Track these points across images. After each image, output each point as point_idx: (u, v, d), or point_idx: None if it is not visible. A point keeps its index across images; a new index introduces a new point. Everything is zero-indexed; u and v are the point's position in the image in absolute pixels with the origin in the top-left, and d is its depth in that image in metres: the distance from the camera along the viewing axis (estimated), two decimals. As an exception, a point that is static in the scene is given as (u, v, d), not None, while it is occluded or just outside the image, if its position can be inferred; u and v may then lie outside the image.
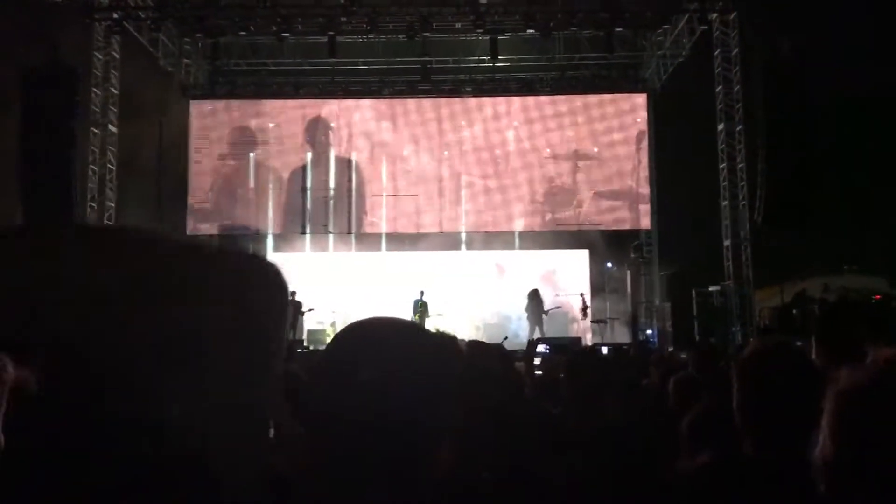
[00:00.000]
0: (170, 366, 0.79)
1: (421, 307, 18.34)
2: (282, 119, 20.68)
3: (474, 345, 3.19)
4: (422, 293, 18.44)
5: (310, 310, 17.98)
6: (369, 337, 1.26)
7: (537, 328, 18.16)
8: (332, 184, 20.68)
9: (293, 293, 17.54)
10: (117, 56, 18.52)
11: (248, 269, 0.94)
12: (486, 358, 3.13)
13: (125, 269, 0.81)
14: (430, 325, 17.92)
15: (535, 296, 18.53)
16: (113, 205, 18.48)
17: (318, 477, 1.20)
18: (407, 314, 17.80)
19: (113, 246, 0.85)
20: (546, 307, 18.45)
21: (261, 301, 0.90)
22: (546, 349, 13.22)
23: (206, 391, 0.81)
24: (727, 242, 17.89)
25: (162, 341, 0.79)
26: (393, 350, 1.22)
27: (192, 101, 20.44)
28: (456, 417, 1.22)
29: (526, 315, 18.47)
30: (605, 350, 12.52)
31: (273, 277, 0.96)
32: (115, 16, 17.63)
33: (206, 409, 0.80)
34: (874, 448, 1.13)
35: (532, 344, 14.72)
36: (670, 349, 15.41)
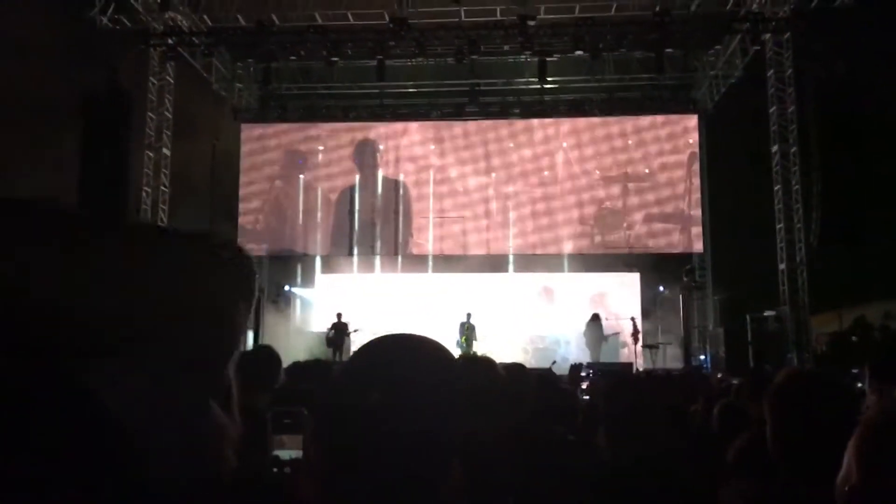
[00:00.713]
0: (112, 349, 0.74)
1: (467, 330, 18.21)
2: (331, 142, 20.94)
3: (511, 368, 3.18)
4: (468, 315, 18.32)
5: (355, 330, 17.91)
6: (380, 357, 1.23)
7: (595, 354, 17.84)
8: (379, 205, 20.79)
9: (339, 314, 18.00)
10: (172, 81, 19.03)
11: (201, 250, 0.87)
12: (521, 383, 3.04)
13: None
14: (477, 347, 17.78)
15: (595, 320, 18.31)
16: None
17: (329, 500, 1.16)
18: (453, 336, 17.84)
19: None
20: (605, 332, 18.28)
21: (214, 286, 0.84)
22: (588, 374, 13.46)
23: (145, 378, 0.76)
24: (782, 266, 17.54)
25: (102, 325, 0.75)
26: (402, 370, 1.19)
27: (243, 125, 20.83)
28: (467, 439, 1.19)
29: (585, 340, 18.24)
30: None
31: (232, 262, 0.88)
32: (169, 41, 18.13)
33: (142, 395, 0.75)
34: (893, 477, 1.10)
35: (575, 369, 14.51)
36: (719, 375, 14.79)
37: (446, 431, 1.17)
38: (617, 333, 18.72)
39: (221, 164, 20.68)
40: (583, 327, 18.78)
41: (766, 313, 17.57)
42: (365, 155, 20.88)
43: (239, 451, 1.71)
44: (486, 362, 2.62)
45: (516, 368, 3.33)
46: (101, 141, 16.90)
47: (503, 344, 18.74)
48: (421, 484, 1.13)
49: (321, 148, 20.91)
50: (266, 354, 3.81)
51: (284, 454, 1.60)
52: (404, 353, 1.23)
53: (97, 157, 16.85)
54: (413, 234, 20.69)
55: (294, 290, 21.16)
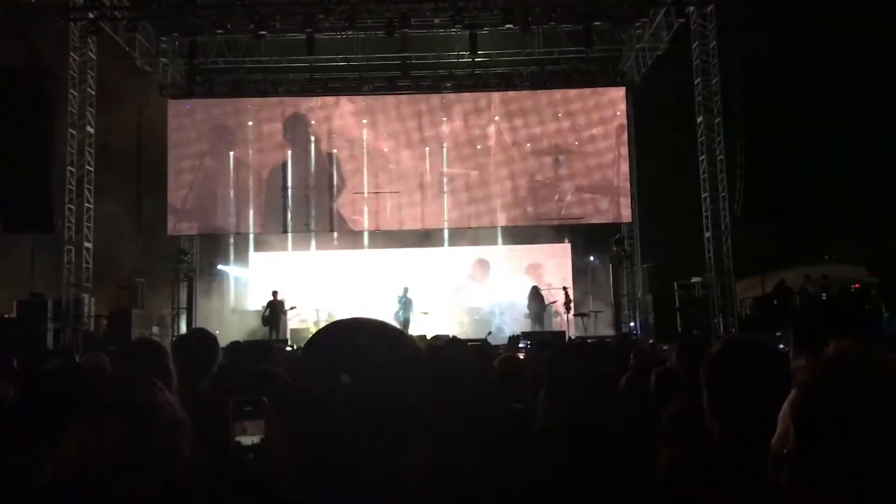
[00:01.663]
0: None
1: (404, 304, 18.39)
2: (261, 117, 20.56)
3: (453, 343, 3.23)
4: (405, 290, 18.55)
5: (291, 308, 18.16)
6: (345, 341, 1.31)
7: (537, 324, 18.26)
8: (312, 182, 20.61)
9: (275, 292, 17.92)
10: (94, 56, 18.29)
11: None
12: (464, 357, 3.06)
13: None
14: (414, 321, 18.14)
15: (535, 293, 18.69)
16: (91, 206, 18.24)
17: (300, 476, 1.25)
18: (391, 311, 18.01)
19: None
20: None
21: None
22: (527, 344, 13.75)
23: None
24: (708, 234, 17.94)
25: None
26: (368, 352, 1.28)
27: (169, 101, 20.25)
28: (429, 416, 1.30)
29: (528, 312, 18.58)
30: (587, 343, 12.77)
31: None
32: (90, 15, 17.44)
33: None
34: (830, 440, 1.15)
35: (513, 339, 14.79)
36: (650, 341, 15.57)
37: (411, 407, 1.26)
38: (554, 302, 19.05)
39: (148, 142, 20.36)
40: (516, 298, 19.28)
41: (693, 280, 18.12)
42: (297, 130, 20.62)
43: (191, 439, 1.80)
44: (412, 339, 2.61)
45: (457, 343, 3.40)
46: (21, 119, 16.25)
47: (440, 316, 19.19)
48: (389, 455, 1.23)
49: (250, 123, 20.52)
50: (202, 337, 3.84)
51: (246, 440, 1.64)
52: (367, 336, 1.31)
53: (15, 137, 16.21)
54: (348, 210, 20.48)
55: (227, 269, 21.05)
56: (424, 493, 1.27)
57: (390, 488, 1.23)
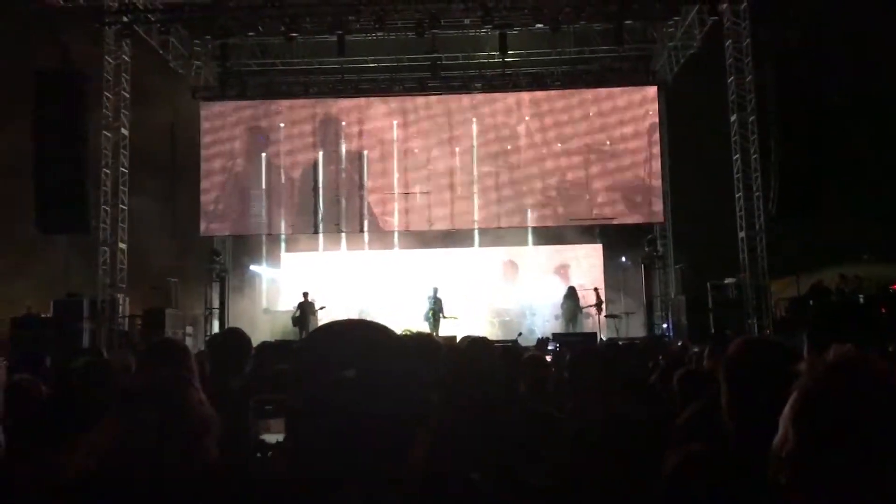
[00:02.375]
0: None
1: (434, 304, 18.34)
2: (292, 119, 20.75)
3: (475, 343, 3.21)
4: (435, 290, 18.48)
5: (321, 308, 18.19)
6: (343, 338, 1.34)
7: (571, 326, 18.19)
8: (343, 182, 20.70)
9: (305, 293, 18.06)
10: (128, 59, 18.55)
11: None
12: (486, 357, 3.06)
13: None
14: (444, 322, 18.10)
15: (571, 294, 18.62)
16: (126, 208, 18.50)
17: (299, 471, 1.30)
18: (420, 311, 18.07)
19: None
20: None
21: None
22: (555, 346, 13.48)
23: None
24: (742, 234, 17.72)
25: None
26: (369, 349, 1.32)
27: (202, 103, 20.50)
28: (427, 412, 1.38)
29: (562, 313, 18.54)
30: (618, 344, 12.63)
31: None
32: (125, 19, 17.70)
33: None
34: (828, 443, 1.17)
35: (542, 341, 14.73)
36: (679, 343, 14.79)
37: (411, 402, 1.30)
38: (592, 305, 18.89)
39: (181, 144, 20.54)
40: (547, 299, 19.25)
41: (727, 280, 17.84)
42: (327, 132, 20.76)
43: (220, 437, 1.85)
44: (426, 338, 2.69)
45: (478, 342, 3.40)
46: (56, 122, 16.53)
47: (470, 318, 19.05)
48: (390, 448, 1.26)
49: (282, 125, 20.74)
50: (236, 337, 3.88)
51: (270, 438, 1.69)
52: (366, 334, 1.35)
53: (52, 140, 16.47)
54: (378, 211, 20.54)
55: (259, 269, 21.16)
56: (439, 491, 1.32)
57: (386, 481, 1.26)
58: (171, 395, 1.86)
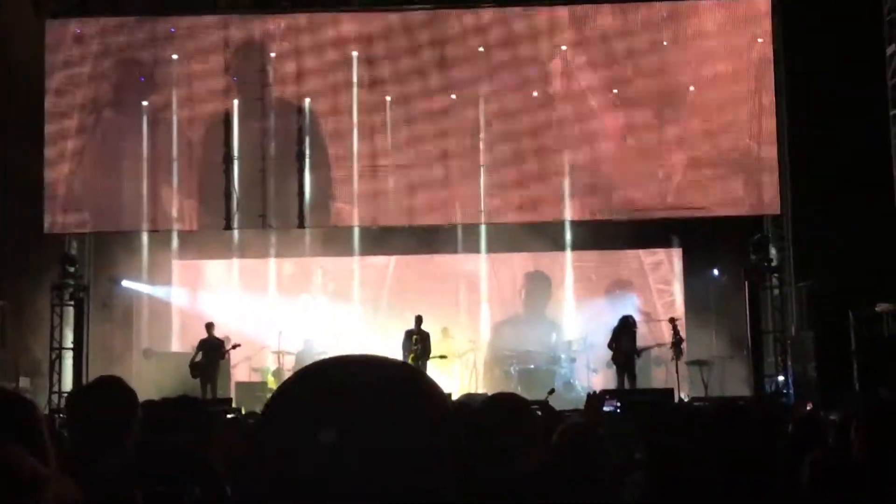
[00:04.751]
0: None
1: (416, 343, 17.46)
2: (191, 48, 19.03)
3: (497, 403, 3.52)
4: (418, 320, 17.50)
5: (235, 346, 17.97)
6: (330, 385, 1.44)
7: (626, 377, 17.31)
8: (272, 151, 19.08)
9: (210, 325, 18.23)
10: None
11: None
12: (517, 428, 3.50)
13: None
14: (432, 369, 17.41)
15: (625, 328, 17.60)
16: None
17: None
18: (394, 353, 16.96)
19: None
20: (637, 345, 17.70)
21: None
22: (615, 407, 13.65)
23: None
24: (906, 235, 15.28)
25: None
26: (365, 400, 1.39)
27: (47, 21, 18.71)
28: (448, 493, 1.41)
29: (614, 357, 17.76)
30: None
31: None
32: None
33: None
34: None
35: (592, 399, 14.53)
36: (808, 407, 14.88)
37: (422, 483, 1.41)
38: (660, 345, 18.31)
39: (12, 87, 18.72)
40: (594, 336, 19.02)
41: (880, 307, 17.27)
42: (247, 67, 19.21)
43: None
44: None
45: (500, 400, 3.82)
46: None
47: (472, 363, 19.09)
48: None
49: (175, 56, 18.96)
50: (112, 392, 4.12)
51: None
52: (366, 376, 1.48)
53: None
54: (330, 197, 19.80)
55: (137, 286, 20.22)
56: None
57: None
58: None
